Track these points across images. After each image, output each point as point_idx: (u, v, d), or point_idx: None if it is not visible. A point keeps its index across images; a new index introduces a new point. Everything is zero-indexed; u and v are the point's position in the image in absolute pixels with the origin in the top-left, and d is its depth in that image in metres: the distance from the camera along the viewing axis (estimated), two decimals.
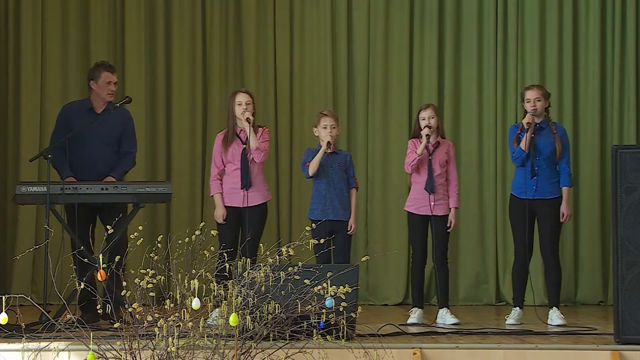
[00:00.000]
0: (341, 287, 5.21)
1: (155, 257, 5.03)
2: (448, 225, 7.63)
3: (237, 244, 7.24)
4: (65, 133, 7.38)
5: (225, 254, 5.21)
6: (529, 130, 7.49)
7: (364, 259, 5.84)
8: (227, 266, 5.24)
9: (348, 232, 7.56)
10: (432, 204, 7.54)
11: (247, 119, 7.42)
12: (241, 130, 7.53)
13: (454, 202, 7.67)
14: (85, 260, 6.46)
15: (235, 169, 7.51)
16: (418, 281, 7.66)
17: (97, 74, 7.55)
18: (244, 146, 7.48)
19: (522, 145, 7.51)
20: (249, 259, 5.26)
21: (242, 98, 7.52)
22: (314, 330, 5.23)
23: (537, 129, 7.57)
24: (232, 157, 7.53)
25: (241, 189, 7.47)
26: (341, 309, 5.22)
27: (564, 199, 7.59)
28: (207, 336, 5.03)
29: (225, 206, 7.53)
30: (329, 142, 7.47)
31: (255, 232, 7.35)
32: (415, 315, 7.54)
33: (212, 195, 7.63)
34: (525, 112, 7.60)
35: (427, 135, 7.51)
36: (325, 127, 7.54)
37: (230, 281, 5.12)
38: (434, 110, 7.66)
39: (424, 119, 7.60)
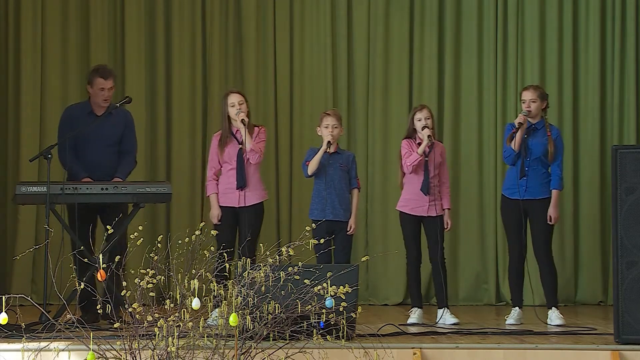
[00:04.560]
0: (341, 287, 5.21)
1: (155, 257, 5.04)
2: (445, 226, 7.63)
3: (234, 244, 7.25)
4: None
5: (225, 254, 5.22)
6: (520, 130, 7.49)
7: (364, 259, 5.84)
8: (227, 266, 5.25)
9: (348, 233, 7.56)
10: (428, 205, 7.54)
11: (242, 121, 7.42)
12: (237, 130, 7.53)
13: (447, 203, 7.68)
14: (85, 260, 6.46)
15: (231, 168, 7.51)
16: (415, 281, 7.67)
17: (91, 80, 7.55)
18: (240, 146, 7.47)
19: (513, 144, 7.51)
20: (248, 259, 5.26)
21: (234, 99, 7.52)
22: (314, 330, 5.23)
23: (531, 130, 7.57)
24: (229, 157, 7.52)
25: (237, 189, 7.47)
26: (341, 309, 5.22)
27: (552, 201, 7.55)
28: (207, 336, 5.03)
29: (221, 206, 7.53)
30: (329, 141, 7.47)
31: (252, 231, 7.32)
32: (415, 315, 7.54)
33: (209, 196, 7.64)
34: None
35: (428, 135, 7.51)
36: (326, 127, 7.54)
37: (230, 281, 5.12)
38: (429, 111, 7.67)
39: (419, 120, 7.60)
